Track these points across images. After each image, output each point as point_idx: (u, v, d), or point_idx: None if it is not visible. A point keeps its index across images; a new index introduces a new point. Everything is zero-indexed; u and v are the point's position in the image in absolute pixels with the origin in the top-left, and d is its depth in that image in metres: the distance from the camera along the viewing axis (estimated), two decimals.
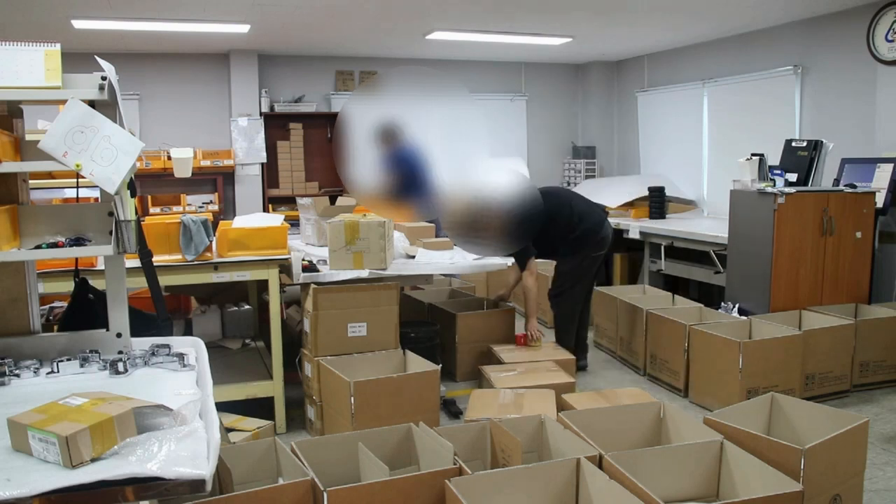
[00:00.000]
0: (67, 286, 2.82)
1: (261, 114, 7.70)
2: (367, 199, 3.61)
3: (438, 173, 3.37)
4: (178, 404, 1.56)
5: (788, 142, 5.27)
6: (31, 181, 2.20)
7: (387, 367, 3.66)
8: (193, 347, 2.11)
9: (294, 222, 5.06)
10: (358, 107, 3.51)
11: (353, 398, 3.25)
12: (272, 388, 3.82)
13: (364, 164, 3.34)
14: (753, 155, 5.00)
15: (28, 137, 2.09)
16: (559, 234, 4.53)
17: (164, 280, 3.25)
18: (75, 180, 2.23)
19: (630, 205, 7.17)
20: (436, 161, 3.34)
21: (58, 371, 1.91)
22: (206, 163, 7.41)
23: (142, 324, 2.24)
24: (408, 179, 3.39)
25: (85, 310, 2.37)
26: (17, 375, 1.90)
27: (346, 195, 7.11)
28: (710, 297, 5.98)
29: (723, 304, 4.94)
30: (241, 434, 3.38)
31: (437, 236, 5.04)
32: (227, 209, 7.62)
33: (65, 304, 3.24)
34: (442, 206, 3.83)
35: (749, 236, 4.79)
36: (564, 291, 4.64)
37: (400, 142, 3.34)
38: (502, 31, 6.64)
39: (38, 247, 1.95)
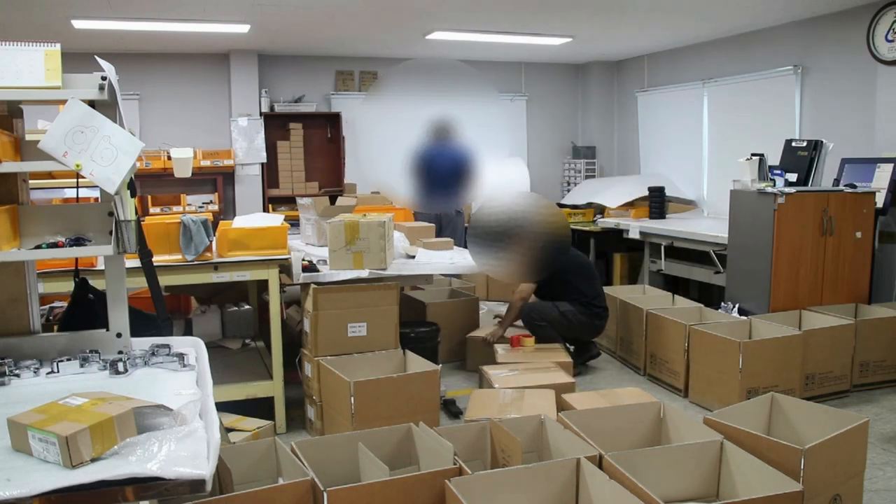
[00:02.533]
0: (67, 286, 2.82)
1: (261, 114, 7.70)
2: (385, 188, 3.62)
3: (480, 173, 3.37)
4: (178, 404, 1.56)
5: (788, 142, 5.27)
6: (31, 181, 2.20)
7: (387, 367, 3.66)
8: (193, 347, 2.11)
9: (294, 222, 5.06)
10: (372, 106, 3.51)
11: (353, 398, 3.25)
12: (272, 388, 3.81)
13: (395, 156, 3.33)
14: (753, 155, 5.00)
15: (28, 137, 2.09)
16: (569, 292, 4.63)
17: (164, 280, 3.25)
18: (75, 180, 2.22)
19: (630, 205, 7.17)
20: (480, 160, 3.34)
21: (58, 371, 1.91)
22: (206, 163, 7.41)
23: (142, 324, 2.24)
24: (449, 175, 3.39)
25: (85, 310, 2.37)
26: (17, 375, 1.90)
27: (346, 195, 7.13)
28: (710, 297, 5.98)
29: (723, 304, 4.93)
30: (241, 434, 3.38)
31: (437, 236, 5.05)
32: (227, 209, 7.62)
33: (65, 304, 3.24)
34: (477, 212, 3.90)
35: (749, 236, 4.79)
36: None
37: (452, 138, 3.33)
38: (502, 31, 6.64)
39: (38, 247, 1.95)
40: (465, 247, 5.03)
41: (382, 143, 3.34)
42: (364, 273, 3.83)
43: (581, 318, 4.63)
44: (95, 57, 1.94)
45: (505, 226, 3.82)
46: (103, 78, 1.87)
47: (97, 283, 2.43)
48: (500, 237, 3.83)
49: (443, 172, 3.38)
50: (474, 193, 3.69)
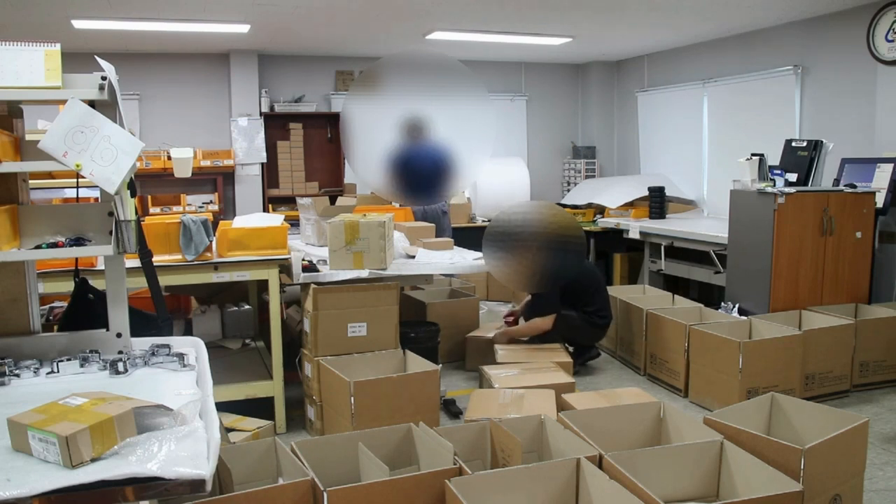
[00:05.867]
0: (67, 286, 2.82)
1: (261, 114, 7.70)
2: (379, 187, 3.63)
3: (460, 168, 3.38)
4: (178, 404, 1.56)
5: (788, 142, 5.27)
6: (31, 181, 2.20)
7: (387, 367, 3.66)
8: (193, 347, 2.11)
9: (294, 222, 5.06)
10: (359, 103, 3.50)
11: (353, 398, 3.25)
12: (272, 388, 3.81)
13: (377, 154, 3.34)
14: (753, 155, 5.00)
15: (28, 137, 2.09)
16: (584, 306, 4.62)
17: (164, 280, 3.25)
18: (75, 180, 2.23)
19: (630, 205, 7.17)
20: (458, 156, 3.35)
21: (58, 371, 1.91)
22: (206, 163, 7.41)
23: (142, 324, 2.24)
24: (427, 173, 3.40)
25: (85, 310, 2.37)
26: (17, 375, 1.90)
27: (347, 195, 7.13)
28: (710, 297, 5.98)
29: (723, 304, 4.93)
30: (241, 434, 3.38)
31: (437, 236, 5.05)
32: (227, 209, 7.62)
33: (65, 304, 3.24)
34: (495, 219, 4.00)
35: (749, 236, 4.79)
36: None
37: (425, 135, 3.34)
38: (502, 31, 6.64)
39: (39, 247, 1.95)
40: (458, 245, 5.06)
41: (368, 137, 3.35)
42: (364, 273, 3.83)
43: (579, 324, 4.62)
44: (95, 57, 1.94)
45: (520, 230, 3.85)
46: (103, 78, 1.87)
47: (97, 283, 2.43)
48: (515, 241, 3.85)
49: (419, 169, 3.38)
50: (455, 188, 3.71)
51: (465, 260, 4.28)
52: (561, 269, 3.99)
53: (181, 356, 1.99)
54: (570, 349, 4.66)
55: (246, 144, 7.66)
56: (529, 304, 4.78)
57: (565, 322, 4.59)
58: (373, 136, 3.31)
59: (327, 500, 2.23)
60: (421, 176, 3.39)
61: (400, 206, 5.81)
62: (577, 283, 4.55)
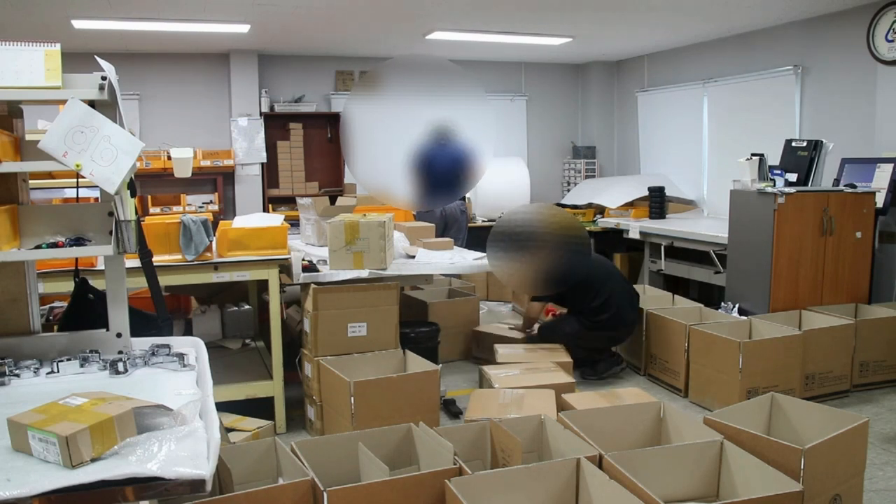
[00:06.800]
0: (67, 286, 2.82)
1: (261, 114, 7.70)
2: (378, 190, 3.65)
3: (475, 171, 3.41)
4: (178, 404, 1.56)
5: (788, 142, 5.27)
6: (31, 181, 2.20)
7: (387, 367, 3.66)
8: (193, 347, 2.11)
9: (294, 222, 5.06)
10: (359, 107, 3.52)
11: (353, 398, 3.25)
12: (272, 388, 3.81)
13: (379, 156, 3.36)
14: (753, 155, 5.00)
15: (28, 137, 2.09)
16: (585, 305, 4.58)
17: (164, 280, 3.25)
18: (75, 180, 2.23)
19: (630, 205, 7.18)
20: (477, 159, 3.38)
21: (58, 371, 1.91)
22: (206, 163, 7.41)
23: (142, 324, 2.24)
24: (447, 175, 3.43)
25: (85, 310, 2.37)
26: (17, 375, 1.90)
27: (347, 195, 7.13)
28: (710, 297, 5.98)
29: (723, 304, 4.93)
30: (241, 434, 3.38)
31: (442, 235, 5.05)
32: (227, 209, 7.62)
33: (65, 304, 3.24)
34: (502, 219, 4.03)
35: (749, 236, 4.79)
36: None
37: (451, 141, 3.37)
38: (502, 31, 6.64)
39: (39, 247, 1.95)
40: (467, 246, 5.07)
41: (375, 142, 3.36)
42: (364, 273, 3.83)
43: (587, 334, 4.54)
44: (95, 57, 1.94)
45: (523, 231, 3.87)
46: (103, 78, 1.87)
47: (97, 283, 2.43)
48: (519, 243, 3.86)
49: (439, 170, 3.40)
50: (468, 188, 3.74)
51: (465, 260, 4.28)
52: (567, 269, 3.99)
53: (181, 356, 1.99)
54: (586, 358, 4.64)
55: (246, 144, 7.66)
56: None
57: (573, 340, 4.50)
58: (373, 139, 3.33)
59: (327, 500, 2.23)
60: (438, 175, 3.41)
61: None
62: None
